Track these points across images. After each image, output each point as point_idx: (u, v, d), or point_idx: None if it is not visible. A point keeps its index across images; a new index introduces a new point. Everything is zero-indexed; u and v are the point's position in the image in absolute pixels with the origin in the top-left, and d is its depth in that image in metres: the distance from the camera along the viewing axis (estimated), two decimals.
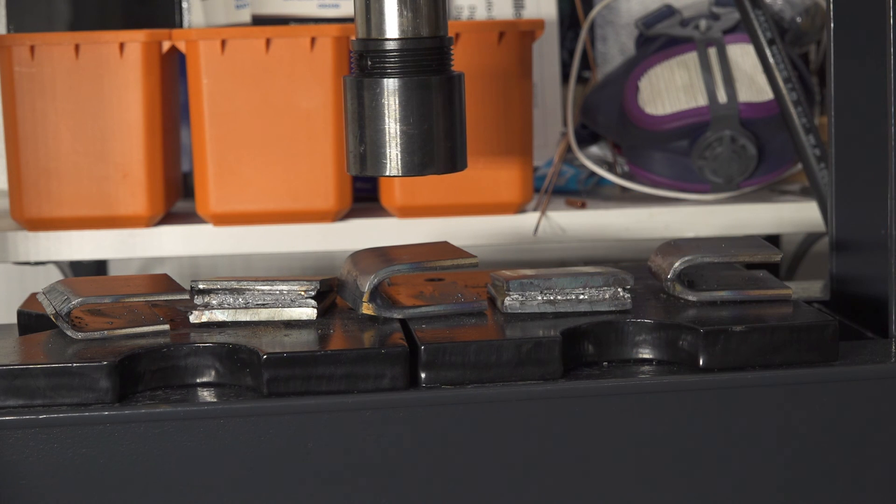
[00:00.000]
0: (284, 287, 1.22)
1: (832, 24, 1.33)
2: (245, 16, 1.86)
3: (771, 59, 1.59)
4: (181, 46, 1.66)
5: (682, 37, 1.80)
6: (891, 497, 1.20)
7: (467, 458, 1.15)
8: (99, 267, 2.11)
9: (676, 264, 1.26)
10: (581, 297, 1.23)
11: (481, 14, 1.92)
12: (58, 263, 1.97)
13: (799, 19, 1.81)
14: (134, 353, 1.15)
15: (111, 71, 1.65)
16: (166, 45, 1.67)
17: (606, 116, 1.83)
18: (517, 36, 1.67)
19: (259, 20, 1.81)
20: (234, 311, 1.22)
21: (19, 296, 1.77)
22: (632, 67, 1.81)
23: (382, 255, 1.25)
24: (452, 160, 1.25)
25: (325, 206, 1.67)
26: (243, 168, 1.66)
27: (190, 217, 1.74)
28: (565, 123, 1.88)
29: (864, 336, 1.29)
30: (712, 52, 1.77)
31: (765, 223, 1.75)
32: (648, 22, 1.84)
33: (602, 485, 1.17)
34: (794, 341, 1.18)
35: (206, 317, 1.22)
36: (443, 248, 1.27)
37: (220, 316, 1.22)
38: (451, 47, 1.25)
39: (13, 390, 1.11)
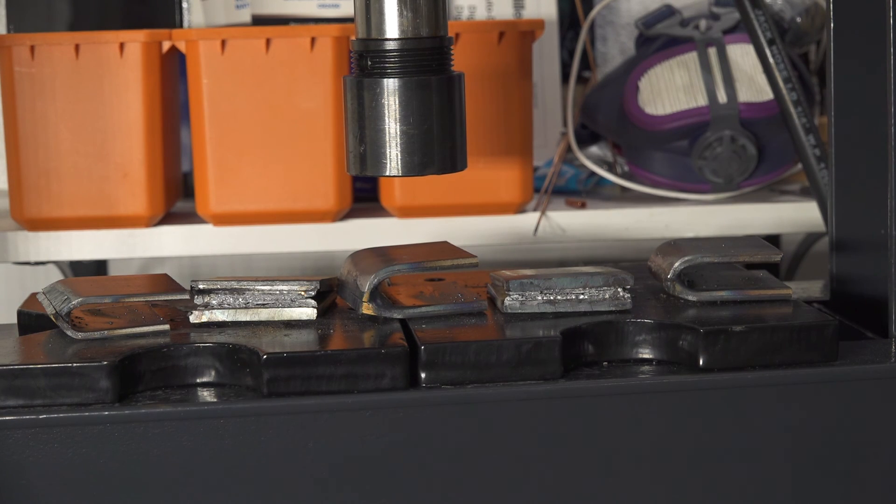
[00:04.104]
0: (284, 287, 1.22)
1: (832, 24, 1.33)
2: (245, 16, 1.86)
3: (771, 59, 1.59)
4: (181, 46, 1.66)
5: (682, 37, 1.80)
6: (891, 497, 1.20)
7: (467, 458, 1.15)
8: (99, 267, 2.11)
9: (676, 264, 1.26)
10: (581, 297, 1.23)
11: (481, 14, 1.92)
12: (58, 263, 1.97)
13: (799, 19, 1.81)
14: (134, 353, 1.15)
15: (111, 71, 1.65)
16: (166, 45, 1.67)
17: (606, 116, 1.83)
18: (517, 36, 1.67)
19: (259, 20, 1.81)
20: (234, 311, 1.22)
21: (19, 296, 1.77)
22: (632, 67, 1.81)
23: (382, 255, 1.25)
24: (452, 160, 1.25)
25: (325, 206, 1.67)
26: (243, 168, 1.66)
27: (190, 217, 1.74)
28: (565, 123, 1.88)
29: (864, 336, 1.29)
30: (712, 52, 1.77)
31: (765, 223, 1.75)
32: (648, 22, 1.84)
33: (602, 485, 1.17)
34: (794, 341, 1.18)
35: (206, 317, 1.22)
36: (443, 248, 1.27)
37: (220, 316, 1.22)
38: (451, 47, 1.25)
39: (13, 390, 1.11)
